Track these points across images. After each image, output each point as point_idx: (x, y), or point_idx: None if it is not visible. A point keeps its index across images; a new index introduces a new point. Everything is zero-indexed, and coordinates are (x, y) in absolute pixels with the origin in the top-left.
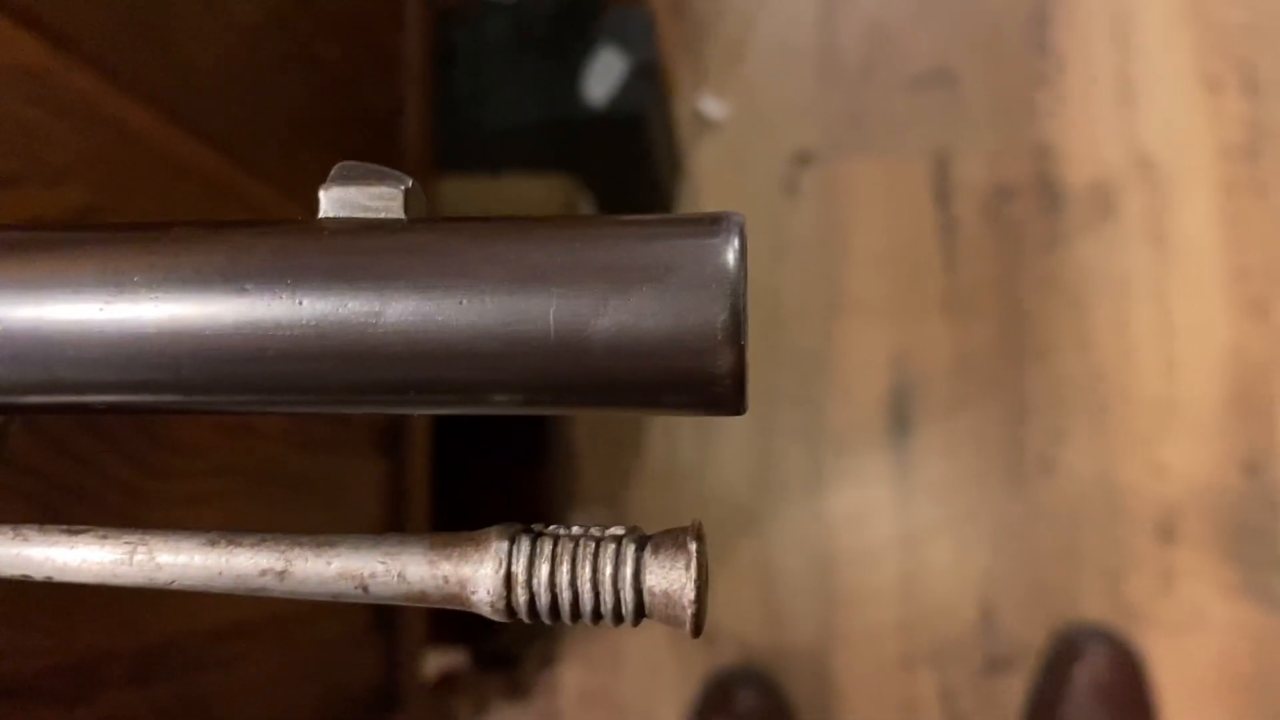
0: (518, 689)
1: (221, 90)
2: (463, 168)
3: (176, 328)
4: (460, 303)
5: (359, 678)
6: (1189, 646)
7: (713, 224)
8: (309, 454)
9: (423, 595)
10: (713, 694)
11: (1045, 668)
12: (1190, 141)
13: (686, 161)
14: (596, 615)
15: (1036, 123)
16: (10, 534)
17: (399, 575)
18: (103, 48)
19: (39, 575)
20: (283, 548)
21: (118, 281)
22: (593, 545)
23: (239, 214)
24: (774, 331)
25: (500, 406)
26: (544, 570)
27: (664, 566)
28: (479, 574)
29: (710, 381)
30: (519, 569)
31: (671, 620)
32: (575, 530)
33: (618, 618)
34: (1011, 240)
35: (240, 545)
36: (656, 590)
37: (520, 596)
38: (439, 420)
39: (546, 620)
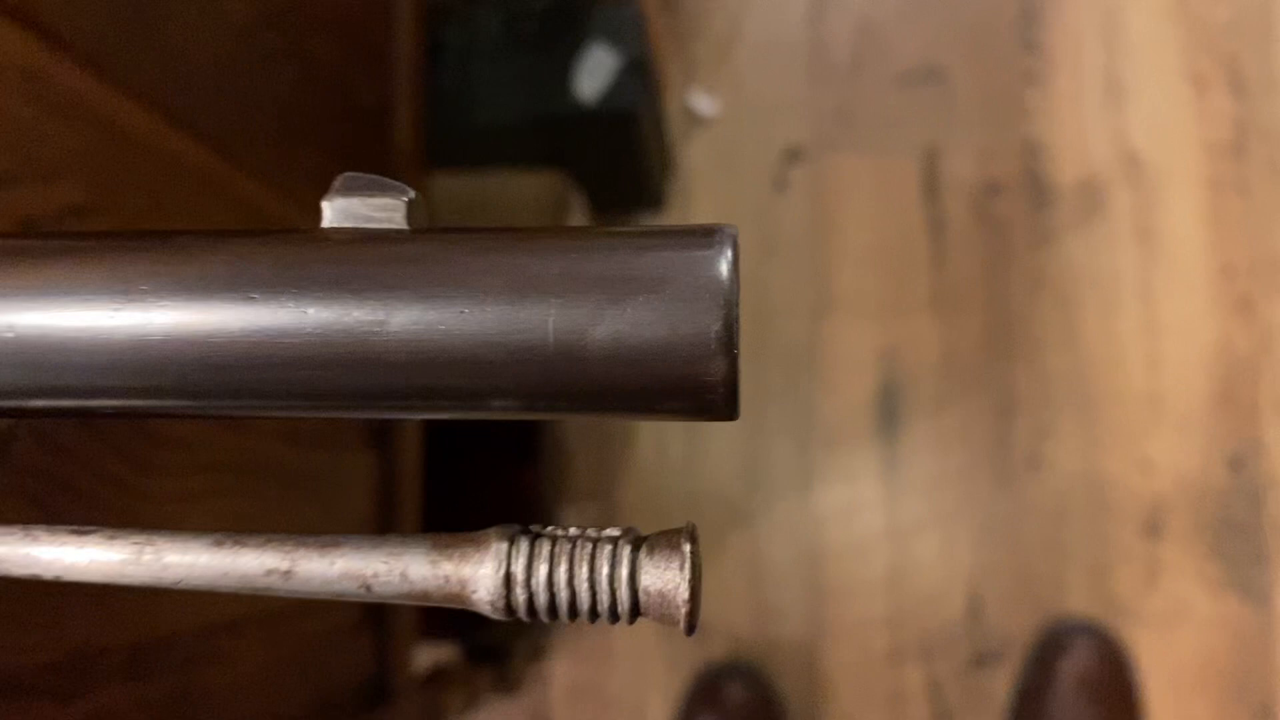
0: (508, 682)
1: (214, 87)
2: (454, 164)
3: (184, 335)
4: (461, 312)
5: (350, 672)
6: (1173, 640)
7: (706, 236)
8: (300, 449)
9: (425, 595)
10: (702, 687)
11: (1031, 661)
12: (1177, 139)
13: (677, 157)
14: (593, 614)
15: (1025, 120)
16: (20, 534)
17: (401, 575)
18: (96, 45)
19: (48, 575)
20: (287, 548)
21: (126, 289)
22: (590, 546)
23: (231, 210)
24: (763, 327)
25: (500, 413)
26: (542, 570)
27: (659, 567)
28: (479, 574)
29: (704, 389)
30: (518, 569)
31: (666, 619)
32: (573, 531)
33: (614, 617)
34: (999, 237)
35: (246, 546)
36: (652, 590)
37: (519, 596)
38: None
39: (545, 619)
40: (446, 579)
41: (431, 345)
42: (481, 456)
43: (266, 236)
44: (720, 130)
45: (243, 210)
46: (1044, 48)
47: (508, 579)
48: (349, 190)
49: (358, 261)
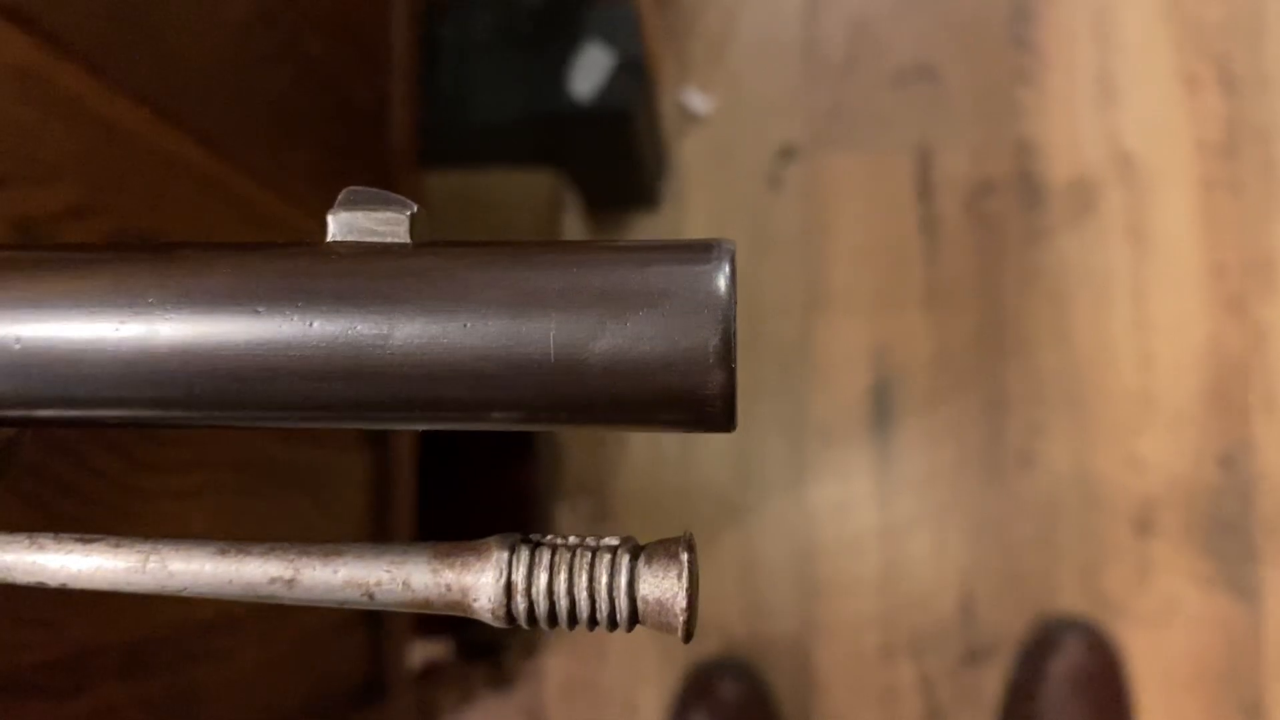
0: (502, 678)
1: (210, 86)
2: (449, 162)
3: (189, 347)
4: (464, 325)
5: (346, 668)
6: (1164, 638)
7: (704, 251)
8: (295, 447)
9: (426, 603)
10: (694, 683)
11: (1022, 658)
12: (1169, 138)
13: (671, 155)
14: (592, 622)
15: (1017, 119)
16: (26, 542)
17: (404, 584)
18: (92, 46)
19: (53, 583)
20: (291, 556)
21: (132, 302)
22: (589, 555)
23: (228, 210)
24: (756, 325)
25: (501, 424)
26: (542, 579)
27: (657, 576)
28: (480, 582)
29: (702, 402)
30: (519, 577)
31: (664, 627)
32: (572, 540)
33: (612, 624)
34: (992, 235)
35: (250, 554)
36: (650, 599)
37: (520, 604)
38: None
39: (545, 627)
40: (448, 587)
41: (434, 358)
42: (477, 452)
43: (272, 250)
44: (715, 128)
45: (240, 209)
46: (1037, 46)
47: (508, 587)
48: (353, 204)
49: (362, 275)
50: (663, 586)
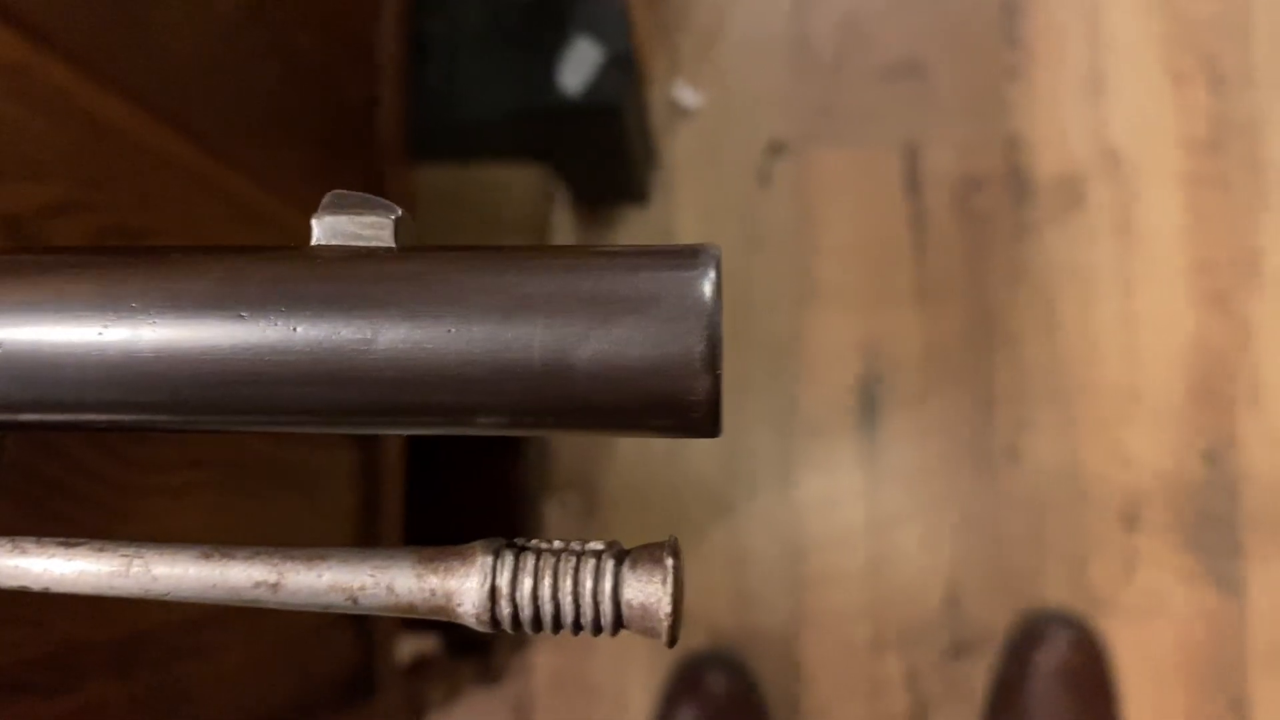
0: (490, 672)
1: (198, 82)
2: (437, 157)
3: (174, 352)
4: (449, 330)
5: (334, 663)
6: (1149, 631)
7: (690, 257)
8: (284, 444)
9: (410, 607)
10: (683, 677)
11: (1009, 652)
12: (1156, 134)
13: (661, 150)
14: (577, 627)
15: (1006, 114)
16: (8, 546)
17: (388, 588)
18: (80, 41)
19: (36, 587)
20: (275, 561)
21: (116, 306)
22: (573, 560)
23: (217, 206)
24: (745, 320)
25: (487, 429)
26: (527, 584)
27: (641, 581)
28: (464, 587)
29: (688, 408)
30: (503, 583)
31: (648, 632)
32: (557, 545)
33: (597, 629)
34: (980, 231)
35: (234, 558)
36: (634, 604)
37: (504, 609)
38: None
39: (529, 631)
40: (432, 592)
41: (419, 363)
42: (465, 448)
43: (256, 254)
44: (704, 123)
45: (229, 205)
46: (1025, 43)
47: (493, 592)
48: (338, 208)
49: (346, 279)
50: (647, 591)
